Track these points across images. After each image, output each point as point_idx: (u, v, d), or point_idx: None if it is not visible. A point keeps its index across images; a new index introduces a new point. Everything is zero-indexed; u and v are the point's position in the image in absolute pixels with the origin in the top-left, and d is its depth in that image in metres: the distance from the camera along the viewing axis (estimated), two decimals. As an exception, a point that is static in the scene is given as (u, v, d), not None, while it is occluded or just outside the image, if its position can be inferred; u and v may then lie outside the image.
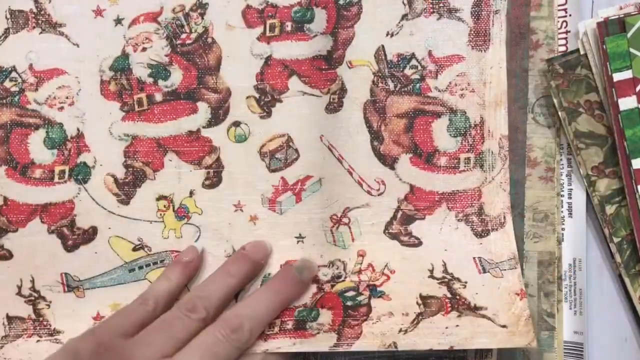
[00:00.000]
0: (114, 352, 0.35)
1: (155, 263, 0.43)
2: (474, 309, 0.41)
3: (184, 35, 0.44)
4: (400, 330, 0.40)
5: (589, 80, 0.43)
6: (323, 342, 0.40)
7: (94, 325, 0.38)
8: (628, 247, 0.42)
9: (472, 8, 0.43)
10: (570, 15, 0.45)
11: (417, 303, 0.41)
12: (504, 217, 0.42)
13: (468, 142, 0.43)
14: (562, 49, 0.45)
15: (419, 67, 0.43)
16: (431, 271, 0.42)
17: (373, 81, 0.43)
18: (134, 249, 0.43)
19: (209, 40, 0.44)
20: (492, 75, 0.43)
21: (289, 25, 0.44)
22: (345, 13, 0.44)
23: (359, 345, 0.40)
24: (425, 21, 0.43)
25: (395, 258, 0.43)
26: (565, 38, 0.45)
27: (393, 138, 0.43)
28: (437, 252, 0.42)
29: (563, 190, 0.44)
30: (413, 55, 0.43)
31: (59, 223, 0.43)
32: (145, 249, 0.43)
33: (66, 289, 0.43)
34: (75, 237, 0.43)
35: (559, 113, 0.43)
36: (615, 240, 0.42)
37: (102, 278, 0.43)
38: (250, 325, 0.38)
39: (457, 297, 0.41)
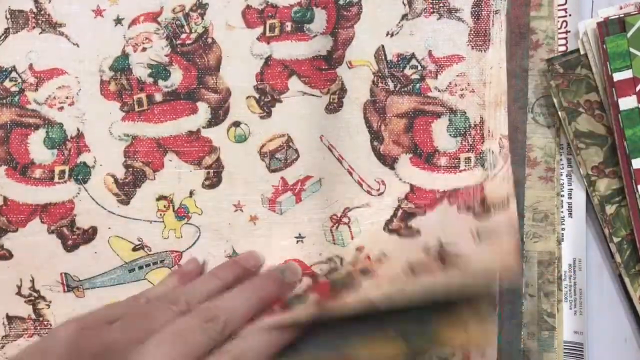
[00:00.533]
0: (92, 333, 0.35)
1: (155, 263, 0.43)
2: (460, 261, 0.39)
3: (184, 36, 0.44)
4: (377, 286, 0.39)
5: (589, 80, 0.43)
6: (301, 313, 0.39)
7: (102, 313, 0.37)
8: (628, 247, 0.42)
9: (472, 8, 0.43)
10: (570, 15, 0.45)
11: (405, 272, 0.40)
12: (508, 200, 0.42)
13: (468, 142, 0.43)
14: (562, 49, 0.44)
15: (419, 67, 0.43)
16: (427, 248, 0.41)
17: (373, 81, 0.43)
18: (134, 249, 0.43)
19: (209, 40, 0.44)
20: (492, 76, 0.43)
21: (288, 26, 0.44)
22: (345, 13, 0.44)
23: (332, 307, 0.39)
24: (425, 21, 0.43)
25: (393, 247, 0.42)
26: (565, 38, 0.45)
27: (393, 138, 0.43)
28: (435, 234, 0.41)
29: (563, 190, 0.44)
30: (413, 55, 0.43)
31: (58, 223, 0.43)
32: (145, 249, 0.43)
33: (66, 288, 0.43)
34: (75, 237, 0.43)
35: (559, 113, 0.43)
36: (615, 240, 0.42)
37: (102, 278, 0.43)
38: (225, 317, 0.37)
39: (446, 258, 0.39)
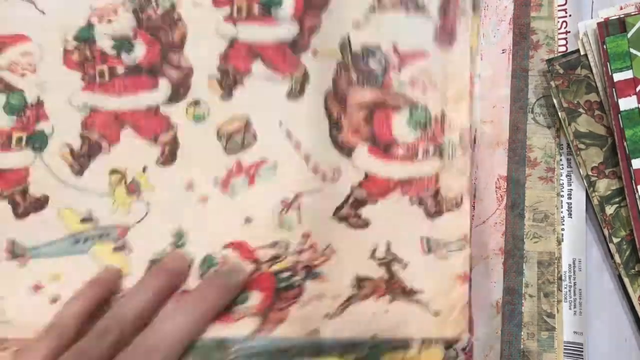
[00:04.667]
0: None
1: (100, 236, 0.43)
2: (409, 293, 0.40)
3: (150, 10, 0.44)
4: (325, 315, 0.39)
5: (589, 80, 0.43)
6: (243, 327, 0.39)
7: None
8: (628, 247, 0.42)
9: (439, 5, 0.43)
10: (570, 15, 0.45)
11: (352, 285, 0.40)
12: (461, 199, 0.41)
13: (428, 135, 0.42)
14: (562, 49, 0.45)
15: (383, 60, 0.43)
16: (373, 252, 0.41)
17: (336, 71, 0.43)
18: (82, 221, 0.43)
19: (175, 16, 0.44)
20: (456, 72, 0.43)
21: (256, 8, 0.44)
22: (313, 1, 0.44)
23: (280, 332, 0.39)
24: (392, 14, 0.43)
25: (339, 238, 0.41)
26: (565, 38, 0.45)
27: (352, 128, 0.43)
28: (384, 233, 0.41)
29: (563, 191, 0.44)
30: (378, 48, 0.43)
31: (12, 189, 0.43)
32: (93, 221, 0.43)
33: (10, 255, 0.43)
34: (27, 204, 0.43)
35: (559, 113, 0.43)
36: (615, 240, 0.42)
37: (47, 248, 0.43)
38: (165, 350, 0.34)
39: (394, 279, 0.40)
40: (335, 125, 0.43)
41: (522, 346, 0.41)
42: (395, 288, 0.40)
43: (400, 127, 0.42)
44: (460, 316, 0.39)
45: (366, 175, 0.42)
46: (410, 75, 0.43)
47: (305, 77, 0.43)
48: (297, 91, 0.43)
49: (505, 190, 0.43)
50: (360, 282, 0.40)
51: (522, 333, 0.41)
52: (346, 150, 0.43)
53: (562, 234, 0.44)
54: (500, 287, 0.42)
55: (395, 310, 0.39)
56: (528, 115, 0.44)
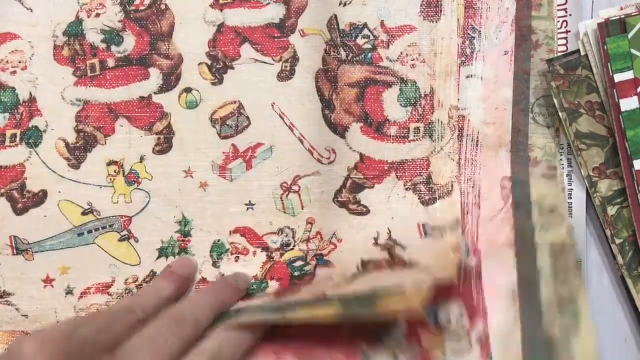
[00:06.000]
0: None
1: (104, 227, 0.43)
2: (408, 265, 0.41)
3: (137, 1, 0.44)
4: (333, 286, 0.41)
5: (590, 81, 0.43)
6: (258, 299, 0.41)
7: (63, 327, 0.33)
8: (630, 248, 0.42)
9: None
10: (570, 15, 0.44)
11: (357, 268, 0.42)
12: (452, 186, 0.43)
13: (418, 112, 0.43)
14: (562, 48, 0.44)
15: (371, 37, 0.43)
16: (376, 239, 0.42)
17: (325, 50, 0.44)
18: (83, 213, 0.43)
19: (162, 6, 0.44)
20: (443, 46, 0.43)
21: (242, -7, 0.44)
22: (298, -18, 0.44)
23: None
24: (377, -9, 0.44)
25: (343, 227, 0.43)
26: (565, 38, 0.44)
27: (344, 107, 0.43)
28: (384, 220, 0.43)
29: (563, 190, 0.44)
30: (365, 25, 0.44)
31: (9, 186, 0.43)
32: (95, 213, 0.43)
33: (15, 251, 0.43)
34: (25, 200, 0.43)
35: (560, 114, 0.43)
36: (617, 241, 0.42)
37: (51, 241, 0.43)
38: (192, 316, 0.36)
39: (395, 259, 0.41)
40: (327, 105, 0.43)
41: (544, 334, 0.40)
42: (395, 264, 0.41)
43: (391, 105, 0.43)
44: (449, 265, 0.40)
45: (361, 157, 0.43)
46: (398, 51, 0.43)
47: (294, 57, 0.44)
48: (287, 72, 0.44)
49: (510, 189, 0.42)
50: (364, 264, 0.42)
51: (543, 320, 0.40)
52: (340, 130, 0.43)
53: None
54: (514, 278, 0.41)
55: (394, 275, 0.40)
56: (528, 115, 0.44)
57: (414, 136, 0.43)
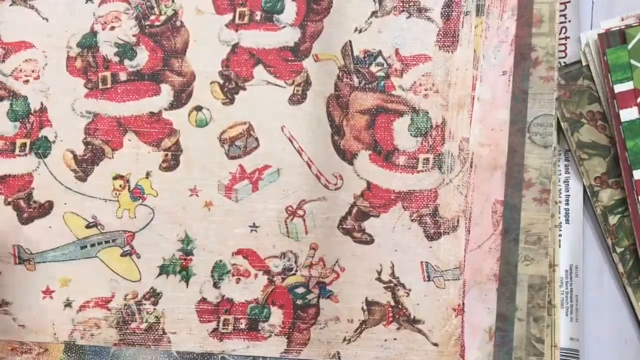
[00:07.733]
0: None
1: (107, 242, 0.43)
2: (413, 322, 0.42)
3: (153, 17, 0.44)
4: (344, 340, 0.42)
5: (591, 91, 0.43)
6: (274, 347, 0.42)
7: None
8: (631, 257, 0.42)
9: (442, 8, 0.43)
10: (569, 21, 0.44)
11: (362, 309, 0.42)
12: (457, 221, 0.42)
13: (428, 142, 0.43)
14: (561, 54, 0.44)
15: (385, 65, 0.43)
16: (379, 273, 0.42)
17: (338, 76, 0.43)
18: (87, 227, 0.43)
19: (178, 23, 0.44)
20: (458, 77, 0.43)
21: (258, 15, 0.44)
22: (315, 6, 0.44)
23: (306, 354, 0.42)
24: (394, 19, 0.43)
25: (346, 255, 0.43)
26: (565, 44, 0.44)
27: (354, 134, 0.43)
28: (387, 252, 0.42)
29: (560, 197, 0.44)
30: (380, 53, 0.43)
31: (16, 195, 0.44)
32: (99, 227, 0.43)
33: (17, 260, 0.43)
34: (31, 210, 0.43)
35: (562, 124, 0.43)
36: (618, 250, 0.42)
37: (53, 253, 0.43)
38: None
39: (400, 306, 0.42)
40: (337, 131, 0.43)
41: None
42: (401, 316, 0.42)
43: (402, 134, 0.43)
44: (454, 348, 0.42)
45: (368, 185, 0.43)
46: (412, 81, 0.43)
47: (307, 82, 0.43)
48: (299, 96, 0.43)
49: (501, 215, 0.42)
50: (369, 306, 0.42)
51: (511, 358, 0.42)
52: (348, 157, 0.43)
53: (560, 240, 0.43)
54: (493, 314, 0.42)
55: (402, 337, 0.42)
56: (525, 136, 0.43)
57: (423, 167, 0.43)
